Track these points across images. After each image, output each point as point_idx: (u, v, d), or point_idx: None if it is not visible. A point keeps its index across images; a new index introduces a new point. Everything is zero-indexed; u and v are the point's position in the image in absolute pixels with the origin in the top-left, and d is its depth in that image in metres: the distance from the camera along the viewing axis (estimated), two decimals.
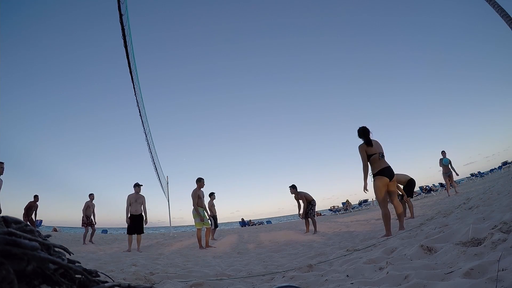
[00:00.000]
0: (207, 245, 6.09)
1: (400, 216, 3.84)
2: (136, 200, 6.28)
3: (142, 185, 6.44)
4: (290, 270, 2.48)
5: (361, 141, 3.85)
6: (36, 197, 8.36)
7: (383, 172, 3.66)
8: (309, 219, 7.63)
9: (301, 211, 7.64)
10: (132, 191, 6.35)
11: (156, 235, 13.49)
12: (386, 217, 3.62)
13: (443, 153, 9.97)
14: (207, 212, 6.25)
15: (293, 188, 7.82)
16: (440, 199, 10.33)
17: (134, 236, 6.22)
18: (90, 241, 8.37)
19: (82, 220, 8.32)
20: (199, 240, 6.00)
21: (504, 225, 1.88)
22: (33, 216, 8.26)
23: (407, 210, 6.38)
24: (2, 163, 5.23)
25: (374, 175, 3.71)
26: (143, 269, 3.13)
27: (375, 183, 3.70)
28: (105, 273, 0.93)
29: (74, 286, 0.70)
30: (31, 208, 8.19)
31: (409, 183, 6.38)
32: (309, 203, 7.58)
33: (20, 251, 0.56)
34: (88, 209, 8.35)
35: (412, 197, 6.59)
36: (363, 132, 3.80)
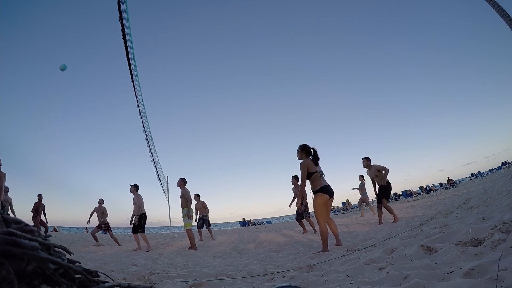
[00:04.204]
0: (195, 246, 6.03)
1: (336, 235, 3.86)
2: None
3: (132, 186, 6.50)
4: (290, 270, 2.48)
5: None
6: (39, 196, 8.32)
7: (324, 189, 3.65)
8: (303, 220, 7.40)
9: (293, 203, 7.34)
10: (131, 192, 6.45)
11: (156, 235, 13.48)
12: (324, 233, 3.60)
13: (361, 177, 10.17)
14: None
15: (296, 178, 7.35)
16: (440, 199, 10.33)
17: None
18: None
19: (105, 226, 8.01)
20: (193, 239, 5.96)
21: (504, 225, 1.88)
22: (42, 216, 8.19)
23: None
24: None
25: (315, 192, 3.67)
26: (143, 269, 3.13)
27: (315, 200, 3.67)
28: (105, 273, 0.94)
29: (74, 286, 0.70)
30: (38, 209, 8.17)
31: (387, 185, 6.07)
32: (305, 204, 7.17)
33: (20, 251, 0.56)
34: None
35: (387, 200, 6.21)
36: (314, 151, 3.78)
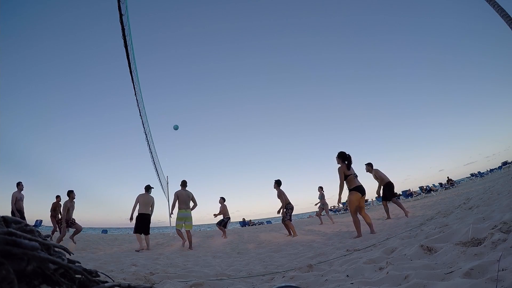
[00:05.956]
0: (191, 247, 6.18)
1: (370, 225, 4.50)
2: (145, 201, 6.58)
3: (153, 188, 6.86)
4: (290, 270, 2.48)
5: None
6: (57, 197, 8.29)
7: (357, 188, 4.44)
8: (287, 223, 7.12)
9: (281, 210, 7.13)
10: (141, 191, 6.70)
11: (156, 235, 13.48)
12: (357, 223, 4.44)
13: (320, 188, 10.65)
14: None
15: (276, 183, 7.04)
16: (440, 199, 10.33)
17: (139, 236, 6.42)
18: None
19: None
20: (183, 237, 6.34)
21: (504, 225, 1.88)
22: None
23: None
24: None
25: (351, 190, 4.46)
26: (143, 269, 3.13)
27: (349, 197, 4.48)
28: (105, 273, 0.94)
29: (74, 286, 0.70)
30: (55, 208, 8.14)
31: (388, 185, 6.69)
32: (287, 206, 6.98)
33: (20, 251, 0.56)
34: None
35: (389, 200, 6.80)
36: (349, 157, 4.54)
